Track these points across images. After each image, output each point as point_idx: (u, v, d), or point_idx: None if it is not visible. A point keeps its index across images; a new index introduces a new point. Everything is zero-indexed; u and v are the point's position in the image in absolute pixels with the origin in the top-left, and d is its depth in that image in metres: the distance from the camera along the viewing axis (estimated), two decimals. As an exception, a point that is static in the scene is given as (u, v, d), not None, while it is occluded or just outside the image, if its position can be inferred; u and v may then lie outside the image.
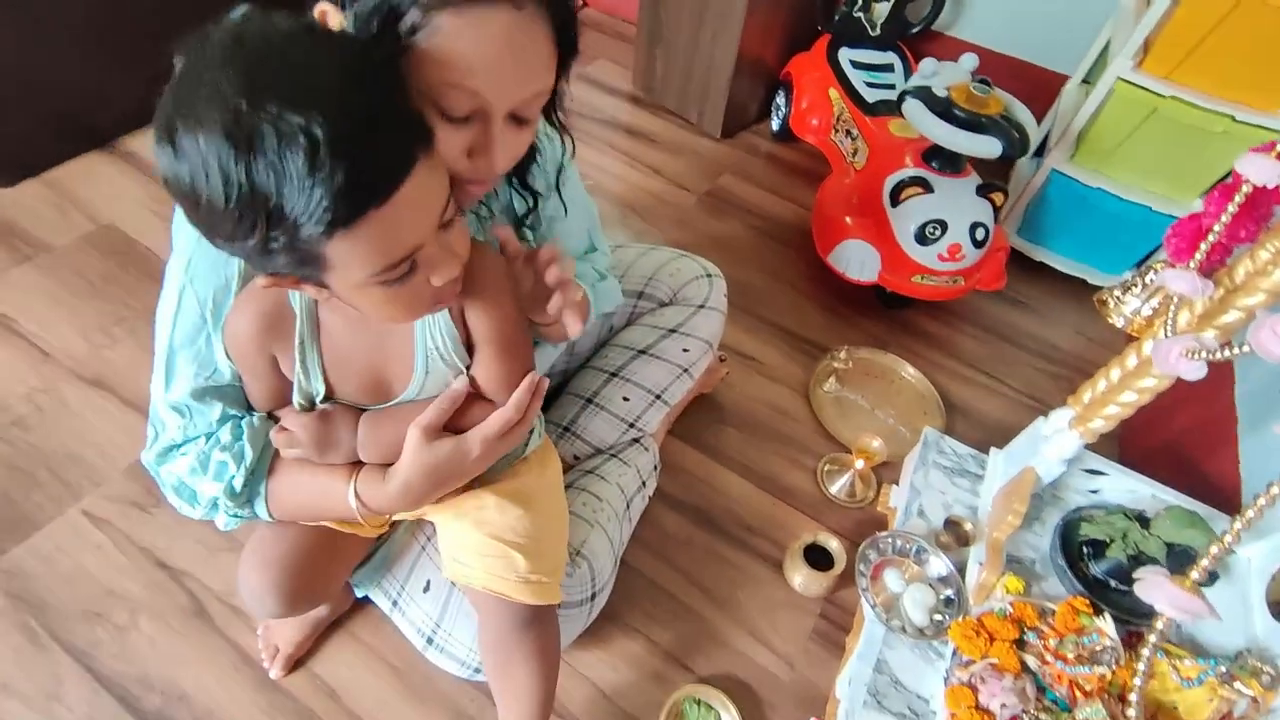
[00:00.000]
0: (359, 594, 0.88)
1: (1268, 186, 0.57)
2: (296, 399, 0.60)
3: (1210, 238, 0.61)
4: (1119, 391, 0.75)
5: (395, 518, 0.74)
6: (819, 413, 1.25)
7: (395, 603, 0.82)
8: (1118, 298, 0.78)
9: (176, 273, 0.59)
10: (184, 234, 0.59)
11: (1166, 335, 0.62)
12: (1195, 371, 0.56)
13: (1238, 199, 0.60)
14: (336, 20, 0.48)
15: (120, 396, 1.12)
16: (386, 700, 0.87)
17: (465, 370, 0.60)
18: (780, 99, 1.75)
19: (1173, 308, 0.63)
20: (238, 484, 0.61)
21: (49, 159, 1.44)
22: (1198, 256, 0.62)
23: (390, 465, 0.59)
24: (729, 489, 1.14)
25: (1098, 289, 1.57)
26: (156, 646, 0.89)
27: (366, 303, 0.49)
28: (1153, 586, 0.41)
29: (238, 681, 0.87)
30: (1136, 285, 0.76)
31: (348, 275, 0.45)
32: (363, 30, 0.47)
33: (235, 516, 0.63)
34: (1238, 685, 0.70)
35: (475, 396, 0.60)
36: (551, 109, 0.61)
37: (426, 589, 0.80)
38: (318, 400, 0.60)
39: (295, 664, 0.88)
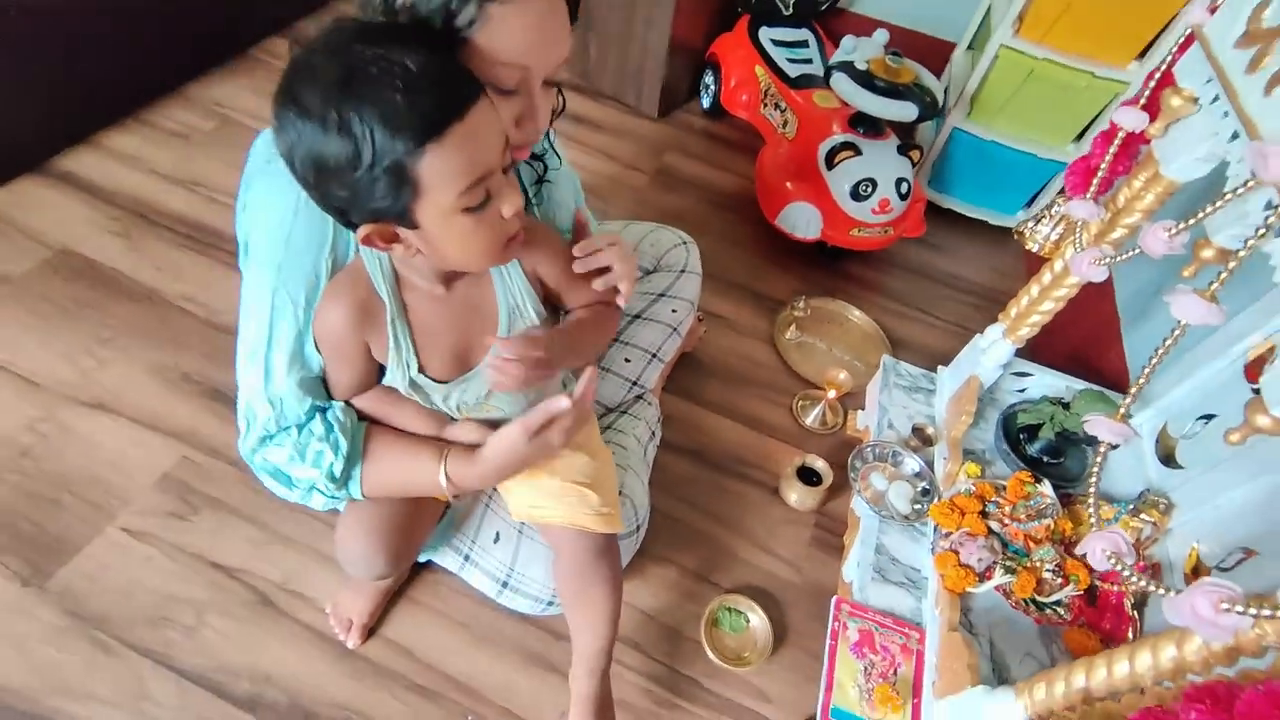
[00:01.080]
0: (421, 559, 0.96)
1: (1135, 131, 0.76)
2: (396, 377, 0.68)
3: (1100, 174, 0.80)
4: (1040, 302, 0.95)
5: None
6: (785, 357, 1.41)
7: (467, 557, 0.92)
8: (1031, 228, 0.97)
9: (265, 278, 0.66)
10: (267, 242, 0.65)
11: (1077, 250, 0.80)
12: (1100, 275, 0.75)
13: (1116, 142, 0.79)
14: None
15: (125, 415, 1.12)
16: (459, 650, 0.97)
17: (541, 322, 0.70)
18: (709, 78, 1.89)
19: (1078, 230, 0.82)
20: (337, 470, 0.69)
21: (-20, 187, 1.37)
22: (1092, 188, 0.80)
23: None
24: (720, 431, 1.28)
25: (999, 229, 1.81)
26: (230, 638, 0.94)
27: (454, 237, 0.56)
28: (1097, 424, 0.58)
29: (317, 656, 0.94)
30: (1046, 216, 0.95)
31: (438, 198, 0.52)
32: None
33: (332, 498, 0.71)
34: (1142, 516, 0.92)
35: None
36: None
37: (496, 540, 0.90)
38: (412, 374, 0.68)
39: (369, 633, 0.95)
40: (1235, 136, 0.61)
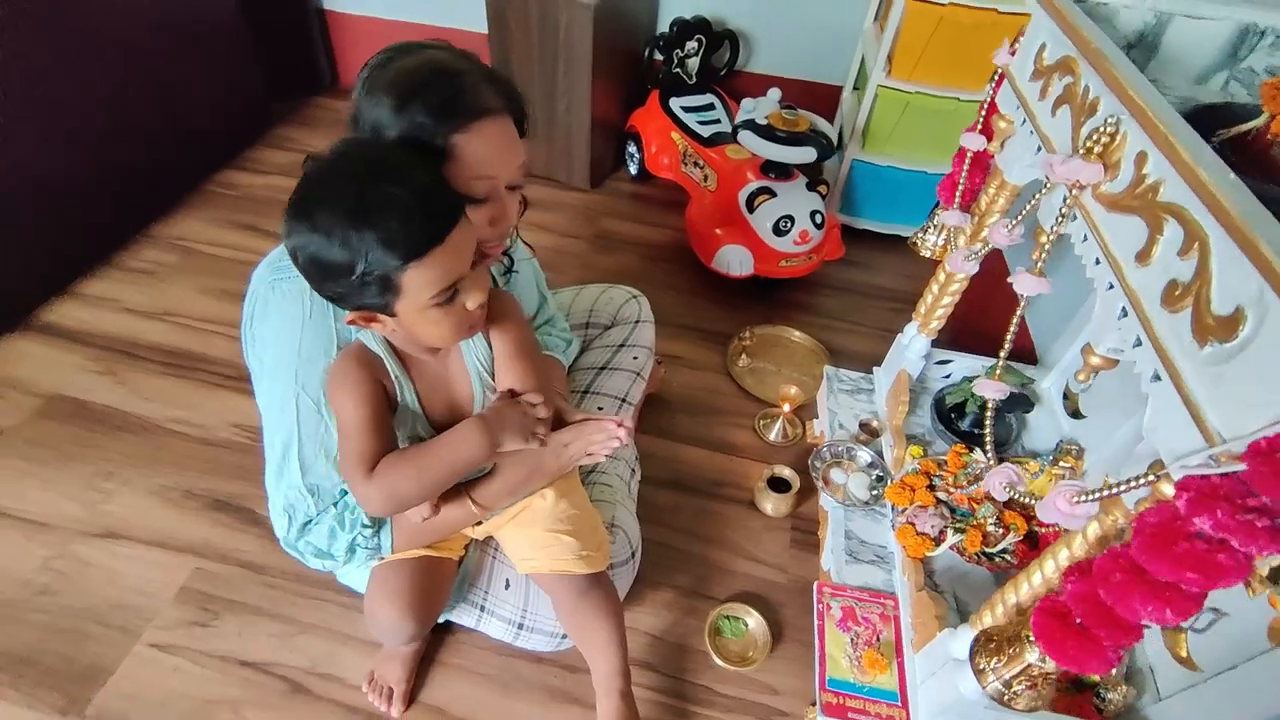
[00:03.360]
0: (442, 619, 1.04)
1: (979, 150, 0.94)
2: (406, 426, 0.78)
3: (960, 187, 0.97)
4: (941, 298, 1.11)
5: (475, 535, 0.93)
6: (741, 383, 1.55)
7: (483, 608, 1.00)
8: (921, 238, 1.14)
9: (284, 387, 0.77)
10: (282, 355, 0.76)
11: (952, 251, 0.96)
12: (972, 268, 0.91)
13: (968, 160, 0.96)
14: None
15: (137, 539, 1.18)
16: (488, 700, 1.04)
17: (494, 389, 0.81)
18: (632, 147, 2.08)
19: (952, 235, 0.98)
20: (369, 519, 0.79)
21: (-36, 349, 1.44)
22: (956, 199, 0.97)
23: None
24: (693, 459, 1.40)
25: (907, 239, 2.01)
26: (270, 729, 0.99)
27: (425, 322, 0.66)
28: (982, 384, 0.72)
29: (355, 730, 1.00)
30: (930, 226, 1.12)
31: (415, 298, 0.63)
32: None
33: (369, 548, 0.80)
34: (1061, 464, 1.06)
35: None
36: None
37: (507, 586, 0.99)
38: (416, 428, 0.78)
39: (410, 699, 1.02)
40: (1040, 149, 0.78)
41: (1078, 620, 0.56)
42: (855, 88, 1.99)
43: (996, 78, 0.92)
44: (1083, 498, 0.55)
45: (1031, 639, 0.61)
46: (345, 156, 0.63)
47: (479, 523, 0.90)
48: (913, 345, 1.18)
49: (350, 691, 1.03)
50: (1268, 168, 0.61)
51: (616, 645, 0.94)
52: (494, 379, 0.80)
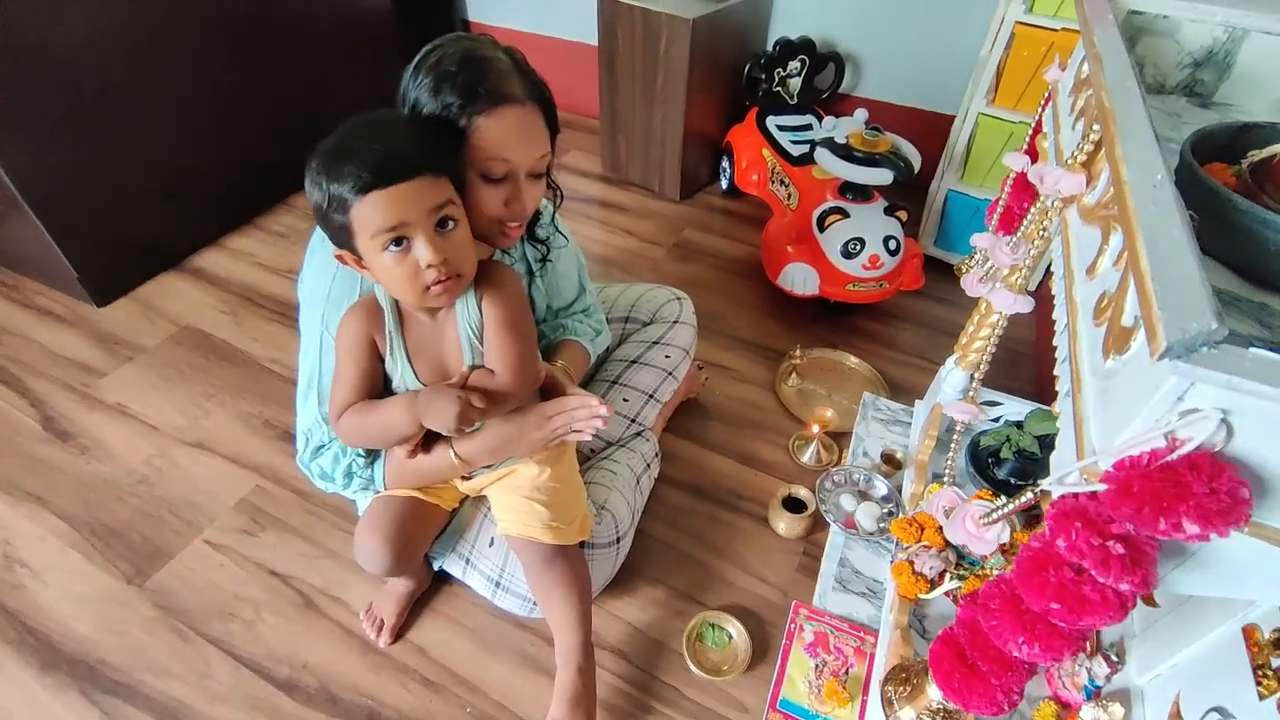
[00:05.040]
0: (436, 566, 1.11)
1: (1020, 171, 0.88)
2: (395, 379, 0.85)
3: (998, 210, 0.91)
4: (979, 330, 1.04)
5: (464, 490, 1.00)
6: (785, 402, 1.52)
7: (468, 560, 1.06)
8: (967, 265, 1.07)
9: (314, 325, 0.88)
10: (314, 299, 0.88)
11: (966, 273, 0.91)
12: (979, 291, 0.85)
13: (1009, 181, 0.90)
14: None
15: (219, 454, 1.38)
16: (465, 652, 1.10)
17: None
18: (725, 163, 2.11)
19: (981, 258, 0.92)
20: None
21: (133, 281, 1.75)
22: (993, 222, 0.92)
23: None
24: (719, 468, 1.39)
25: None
26: (278, 632, 1.11)
27: (381, 269, 0.73)
28: (953, 407, 0.67)
29: (346, 650, 1.09)
30: (976, 255, 1.05)
31: (363, 238, 0.70)
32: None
33: (363, 478, 0.89)
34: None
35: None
36: (548, 170, 0.90)
37: (491, 544, 1.05)
38: (408, 379, 0.85)
39: (397, 634, 1.10)
40: (1060, 165, 0.73)
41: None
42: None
43: (1045, 97, 0.86)
44: (989, 518, 0.51)
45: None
46: (352, 121, 0.73)
47: (468, 478, 0.97)
48: (950, 379, 1.11)
49: (350, 617, 1.13)
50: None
51: (578, 620, 0.96)
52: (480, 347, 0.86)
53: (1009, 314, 0.63)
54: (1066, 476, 0.42)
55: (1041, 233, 0.61)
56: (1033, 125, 0.88)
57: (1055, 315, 0.55)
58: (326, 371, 0.88)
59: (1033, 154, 0.88)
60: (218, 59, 1.76)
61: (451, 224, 0.74)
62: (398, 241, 0.71)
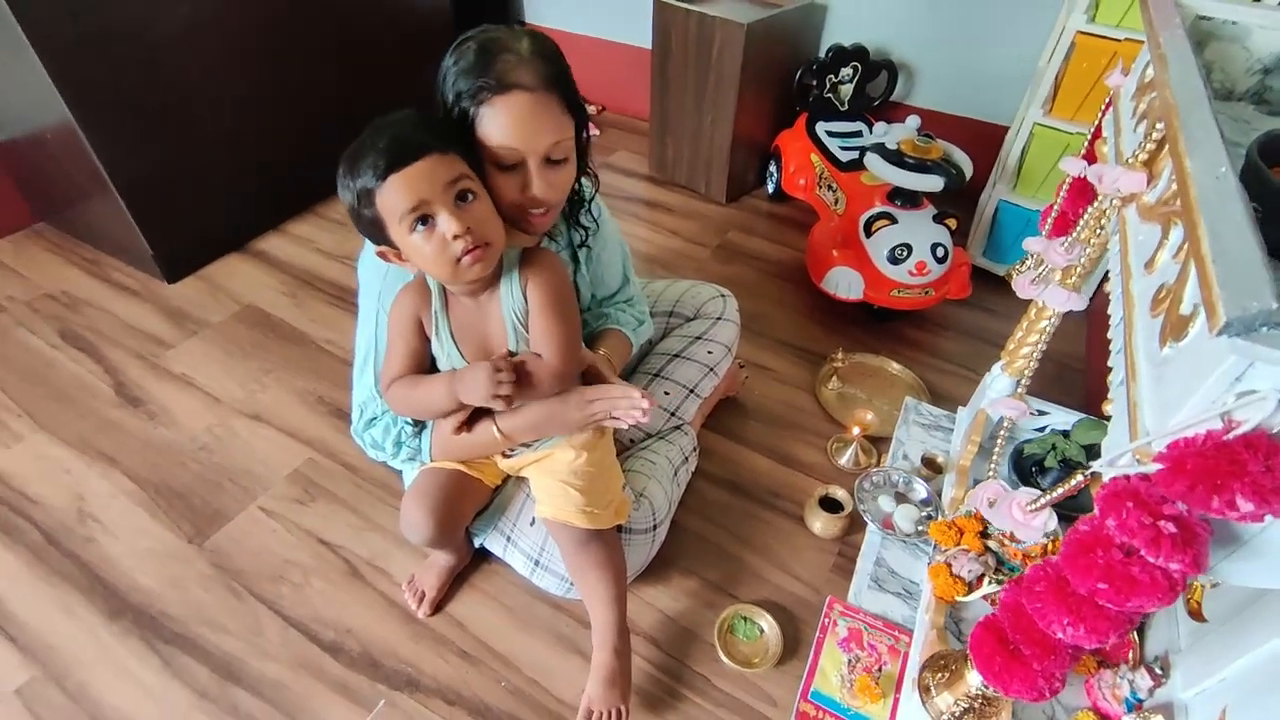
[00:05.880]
0: (477, 543, 1.15)
1: (1078, 175, 0.88)
2: (442, 360, 0.89)
3: (1052, 214, 0.91)
4: (1028, 336, 1.03)
5: (503, 468, 1.03)
6: (825, 405, 1.52)
7: (509, 538, 1.10)
8: (1019, 270, 1.06)
9: (371, 305, 0.92)
10: (372, 279, 0.92)
11: (1018, 275, 0.90)
12: (1031, 293, 0.85)
13: (1065, 185, 0.90)
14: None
15: (274, 425, 1.44)
16: (503, 628, 1.13)
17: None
18: (772, 167, 2.12)
19: (1033, 262, 0.92)
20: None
21: (201, 260, 1.85)
22: (1047, 226, 0.91)
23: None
24: (756, 466, 1.40)
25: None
26: (325, 597, 1.16)
27: (413, 251, 0.76)
28: (999, 403, 0.68)
29: (388, 619, 1.14)
30: (1029, 260, 1.05)
31: (391, 223, 0.74)
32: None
33: (410, 448, 0.93)
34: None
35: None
36: (581, 158, 0.91)
37: (532, 523, 1.07)
38: (453, 359, 0.88)
39: (436, 607, 1.14)
40: (1120, 167, 0.72)
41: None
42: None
43: (1106, 103, 0.86)
44: (1036, 504, 0.52)
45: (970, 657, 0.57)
46: (370, 125, 0.77)
47: (508, 456, 1.00)
48: (995, 385, 1.10)
49: (393, 587, 1.17)
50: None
51: (612, 601, 0.98)
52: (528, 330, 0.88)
53: (1062, 312, 0.63)
54: (1119, 458, 0.42)
55: (1099, 232, 0.61)
56: (1092, 131, 0.88)
57: (1110, 310, 0.56)
58: (381, 348, 0.92)
59: (1091, 159, 0.88)
60: (287, 57, 1.85)
61: (471, 197, 0.77)
62: (423, 221, 0.75)
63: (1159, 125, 0.57)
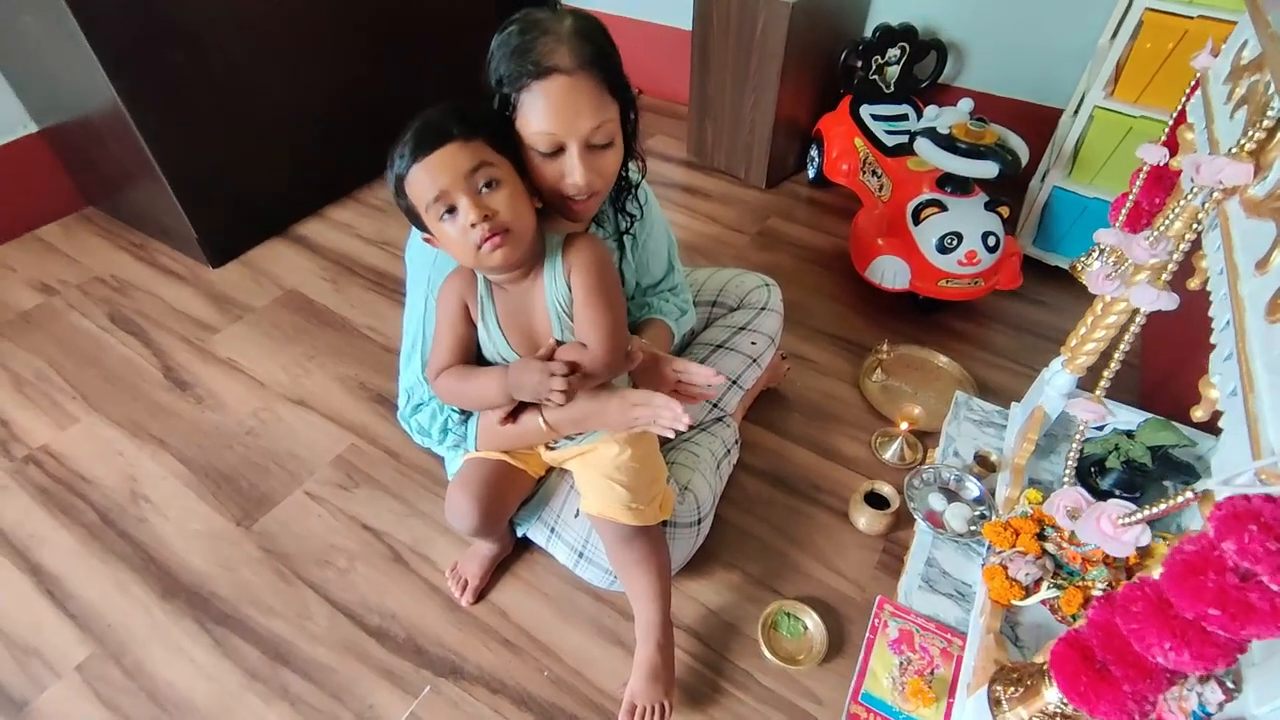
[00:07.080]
0: (520, 533, 1.15)
1: (1158, 164, 0.83)
2: (488, 348, 0.88)
3: (1127, 205, 0.86)
4: (1093, 331, 0.99)
5: (547, 459, 1.02)
6: (869, 398, 1.49)
7: (553, 529, 1.09)
8: (1085, 263, 1.02)
9: (419, 290, 0.92)
10: (421, 268, 0.91)
11: (1087, 270, 0.86)
12: (1106, 288, 0.81)
13: (1142, 175, 0.85)
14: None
15: (318, 411, 1.45)
16: (546, 618, 1.13)
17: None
18: (814, 151, 2.07)
19: (1106, 256, 0.88)
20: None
21: (245, 245, 1.87)
22: (1120, 218, 0.87)
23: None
24: (798, 459, 1.38)
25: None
26: (370, 582, 1.17)
27: (442, 238, 0.77)
28: (1075, 404, 0.64)
29: (432, 605, 1.14)
30: (1096, 251, 1.00)
31: (423, 211, 0.75)
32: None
33: (456, 434, 0.93)
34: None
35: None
36: (629, 142, 0.88)
37: (577, 515, 1.07)
38: (499, 347, 0.87)
39: (479, 595, 1.14)
40: (1213, 157, 0.68)
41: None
42: (1076, 111, 1.79)
43: (1191, 86, 0.81)
44: (1129, 519, 0.49)
45: (1050, 673, 0.55)
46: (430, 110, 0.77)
47: (552, 448, 0.99)
48: (1055, 381, 1.06)
49: (436, 574, 1.18)
50: None
51: (656, 597, 0.98)
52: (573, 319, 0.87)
53: (1148, 311, 0.60)
54: (1237, 478, 0.39)
55: (1194, 226, 0.57)
56: (1174, 116, 0.83)
57: (1212, 314, 0.52)
58: (429, 334, 0.91)
59: (1172, 146, 0.83)
60: (328, 44, 1.84)
61: (495, 184, 0.75)
62: (450, 210, 0.75)
63: (1270, 112, 0.52)
